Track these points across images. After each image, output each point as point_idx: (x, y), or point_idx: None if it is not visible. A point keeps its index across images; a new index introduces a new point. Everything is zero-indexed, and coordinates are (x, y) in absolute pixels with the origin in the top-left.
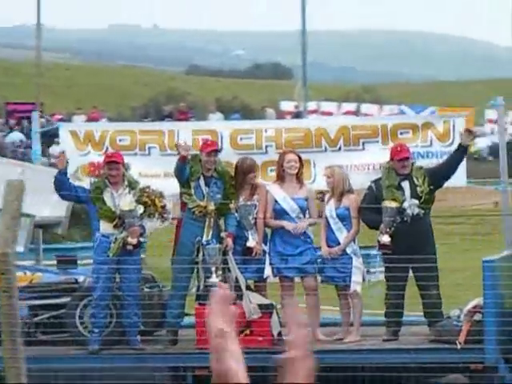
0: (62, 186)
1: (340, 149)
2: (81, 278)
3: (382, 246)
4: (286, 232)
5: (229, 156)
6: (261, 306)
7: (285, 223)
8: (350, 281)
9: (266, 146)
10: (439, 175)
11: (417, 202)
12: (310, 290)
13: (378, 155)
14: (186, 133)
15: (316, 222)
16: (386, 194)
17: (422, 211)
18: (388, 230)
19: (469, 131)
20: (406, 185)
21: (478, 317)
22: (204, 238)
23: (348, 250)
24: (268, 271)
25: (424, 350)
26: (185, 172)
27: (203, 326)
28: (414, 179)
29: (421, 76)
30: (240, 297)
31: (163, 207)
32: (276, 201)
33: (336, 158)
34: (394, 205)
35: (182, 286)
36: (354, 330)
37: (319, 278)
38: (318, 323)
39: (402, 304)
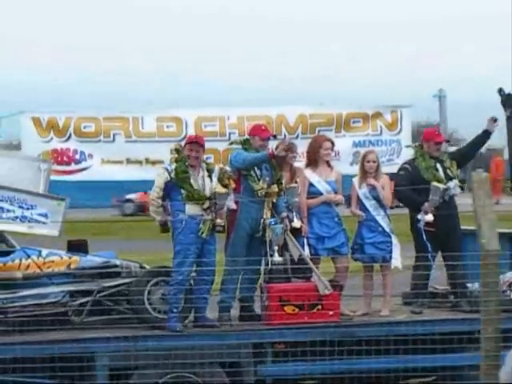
0: None
1: (298, 137)
2: (117, 262)
3: (426, 225)
4: (322, 214)
5: None
6: (331, 282)
7: (323, 197)
8: (390, 258)
9: (230, 133)
10: (465, 158)
11: (458, 182)
12: (340, 270)
13: None
14: (151, 120)
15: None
16: (427, 175)
17: (462, 191)
18: (433, 209)
19: (494, 119)
20: (439, 167)
21: None
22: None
23: (387, 229)
24: (307, 251)
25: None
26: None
27: (276, 304)
28: (444, 162)
29: None
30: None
31: (234, 189)
32: (311, 184)
33: None
34: (441, 185)
35: (237, 269)
36: (386, 304)
37: (355, 257)
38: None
39: (428, 277)
